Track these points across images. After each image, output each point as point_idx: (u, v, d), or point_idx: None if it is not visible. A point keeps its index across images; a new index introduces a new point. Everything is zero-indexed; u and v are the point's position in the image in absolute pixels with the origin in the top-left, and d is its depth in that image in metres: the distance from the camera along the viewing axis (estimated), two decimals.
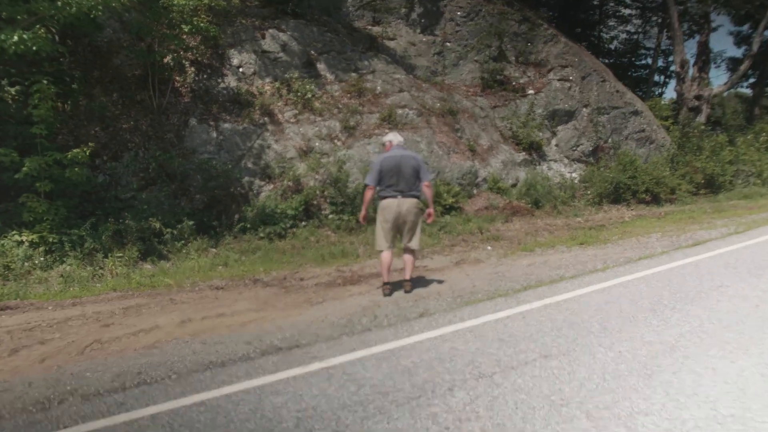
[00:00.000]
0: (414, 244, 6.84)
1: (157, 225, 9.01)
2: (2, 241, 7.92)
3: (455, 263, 8.90)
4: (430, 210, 6.75)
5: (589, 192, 16.32)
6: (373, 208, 7.34)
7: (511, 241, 11.20)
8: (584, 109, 18.48)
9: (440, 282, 7.26)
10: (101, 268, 7.93)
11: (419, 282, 7.25)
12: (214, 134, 11.38)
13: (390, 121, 13.28)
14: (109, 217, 9.04)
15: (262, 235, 10.01)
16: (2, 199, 8.66)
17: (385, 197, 6.54)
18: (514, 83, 17.79)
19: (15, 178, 8.20)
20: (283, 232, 10.21)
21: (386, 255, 6.63)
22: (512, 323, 5.12)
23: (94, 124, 10.63)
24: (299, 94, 12.64)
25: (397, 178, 6.50)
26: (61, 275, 7.46)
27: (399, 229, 6.65)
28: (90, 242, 8.23)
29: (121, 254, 8.15)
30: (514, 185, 14.99)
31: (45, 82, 8.57)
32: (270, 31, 13.58)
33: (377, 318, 5.59)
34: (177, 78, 11.93)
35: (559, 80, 18.51)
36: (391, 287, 6.69)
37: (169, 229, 9.17)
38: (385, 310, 5.93)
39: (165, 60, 11.45)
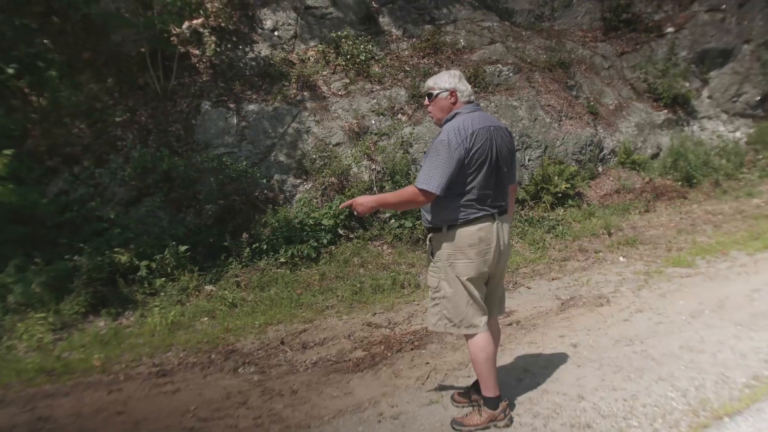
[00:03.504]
0: (504, 307, 3.63)
1: (124, 258, 6.39)
2: None
3: (561, 304, 5.50)
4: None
5: (761, 157, 11.79)
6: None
7: (656, 244, 7.57)
8: (745, 46, 13.63)
9: (517, 378, 3.91)
10: (13, 337, 5.38)
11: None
12: (235, 120, 8.60)
13: (476, 83, 9.84)
14: (82, 247, 6.53)
15: (283, 259, 7.10)
16: None
17: (473, 219, 3.13)
18: (646, 21, 13.46)
19: None
20: (314, 254, 7.23)
21: (487, 339, 3.22)
22: None
23: (79, 120, 8.27)
24: (350, 56, 9.52)
25: (494, 177, 3.18)
26: None
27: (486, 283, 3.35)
28: (18, 292, 5.76)
29: (42, 314, 5.54)
30: (654, 156, 11.00)
31: None
32: None
33: None
34: (194, 52, 9.29)
35: (707, 11, 13.79)
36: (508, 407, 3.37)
37: (145, 262, 6.53)
38: None
39: (173, 29, 8.82)
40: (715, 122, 12.71)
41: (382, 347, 4.76)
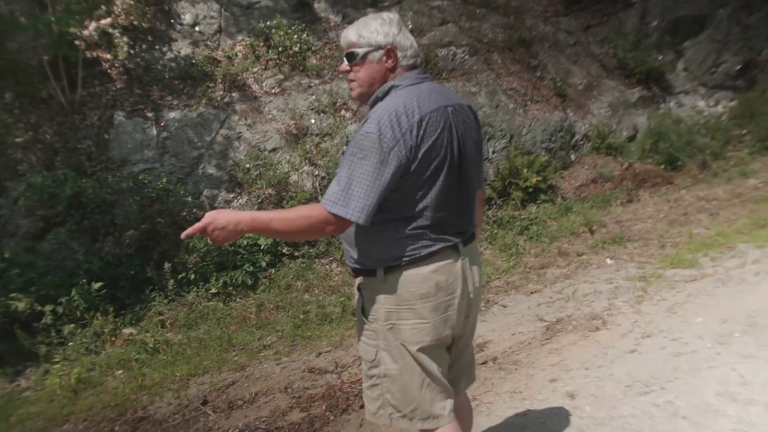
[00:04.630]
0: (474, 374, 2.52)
1: (21, 304, 5.37)
2: None
3: (546, 330, 4.62)
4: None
5: (745, 132, 11.07)
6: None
7: (647, 240, 6.76)
8: (721, 11, 12.89)
9: None
10: None
11: None
12: (154, 131, 7.56)
13: (429, 69, 8.92)
14: None
15: (214, 289, 6.14)
16: None
17: (425, 256, 1.99)
18: None
19: None
20: (250, 280, 6.28)
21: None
22: None
23: None
24: (283, 49, 8.54)
25: (457, 188, 2.04)
26: None
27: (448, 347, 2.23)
28: None
29: None
30: (631, 138, 10.20)
31: None
32: None
33: None
34: (104, 56, 8.21)
35: None
36: None
37: (50, 306, 5.52)
38: None
39: (78, 31, 7.74)
40: (693, 97, 11.92)
41: (324, 406, 3.83)
